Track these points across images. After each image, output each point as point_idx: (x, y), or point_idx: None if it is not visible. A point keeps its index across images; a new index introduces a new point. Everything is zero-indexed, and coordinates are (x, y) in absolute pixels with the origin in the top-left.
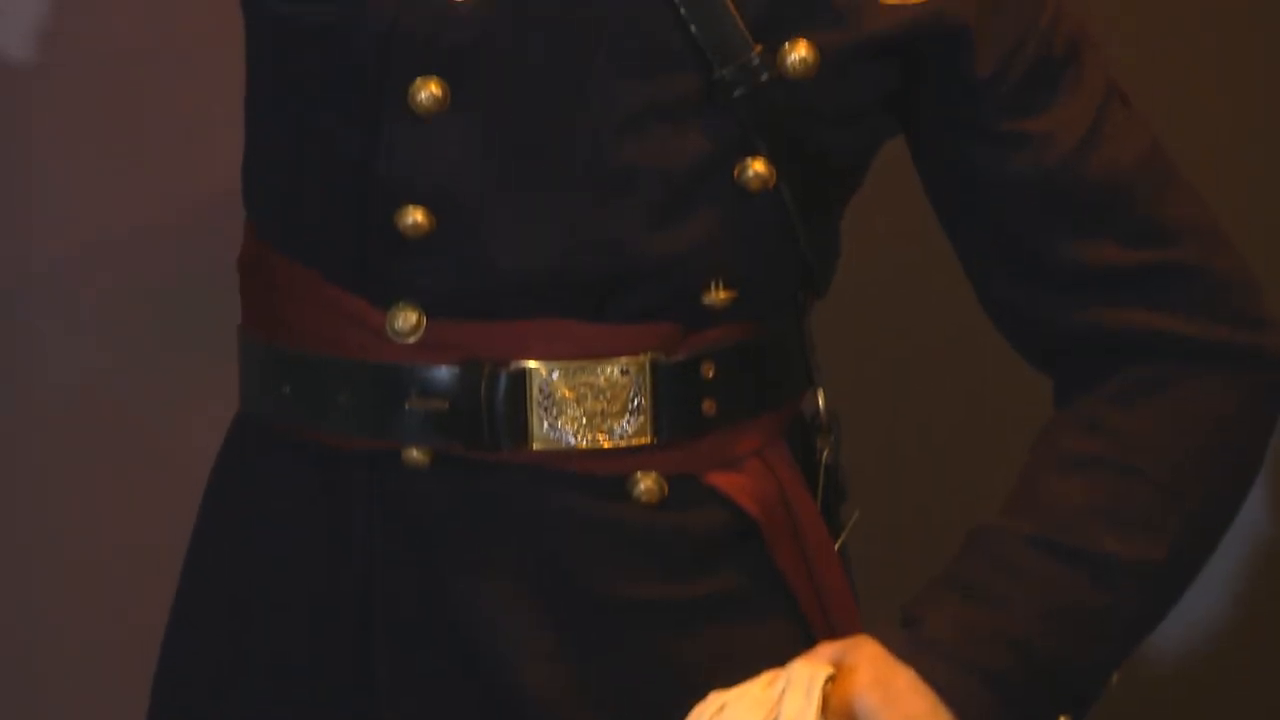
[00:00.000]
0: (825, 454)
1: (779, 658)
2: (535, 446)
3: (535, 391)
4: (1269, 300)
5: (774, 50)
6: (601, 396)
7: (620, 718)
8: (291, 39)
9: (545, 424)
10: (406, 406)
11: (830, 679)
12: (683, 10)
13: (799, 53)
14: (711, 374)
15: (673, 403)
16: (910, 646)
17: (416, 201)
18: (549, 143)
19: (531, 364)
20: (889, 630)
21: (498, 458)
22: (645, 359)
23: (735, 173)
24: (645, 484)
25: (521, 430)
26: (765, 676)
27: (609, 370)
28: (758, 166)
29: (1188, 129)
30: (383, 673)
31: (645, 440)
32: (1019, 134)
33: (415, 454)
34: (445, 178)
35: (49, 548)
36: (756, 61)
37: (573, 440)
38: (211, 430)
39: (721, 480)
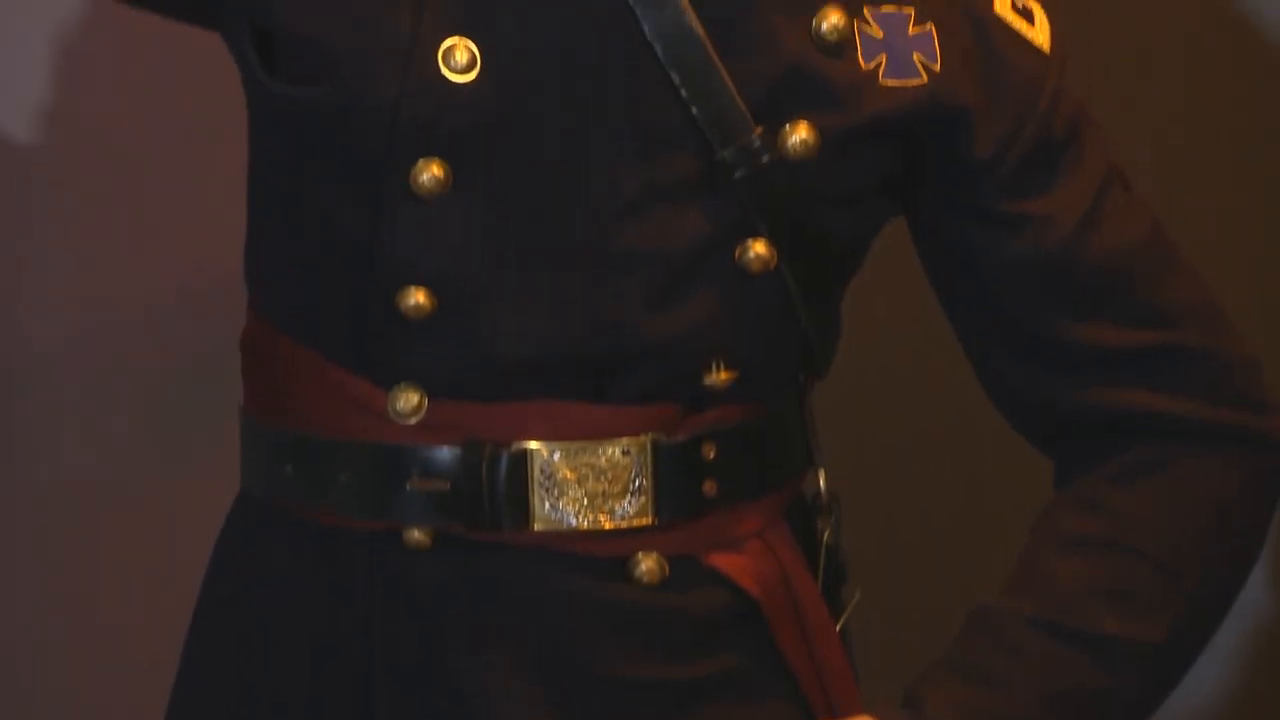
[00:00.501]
0: (826, 535)
1: None
2: (536, 527)
3: (536, 472)
4: (1270, 382)
5: (775, 132)
6: (603, 477)
7: None
8: (294, 120)
9: (546, 504)
10: (408, 487)
11: None
12: (684, 92)
13: (800, 134)
14: (712, 455)
15: (674, 483)
16: None
17: (418, 283)
18: (550, 224)
19: (533, 445)
20: (890, 710)
21: (499, 538)
22: (646, 440)
23: (736, 254)
24: (646, 565)
25: (523, 511)
26: None
27: (610, 451)
28: (759, 248)
29: (1189, 210)
30: None
31: (646, 521)
32: (1018, 216)
33: (417, 535)
34: (447, 259)
35: (48, 627)
36: (757, 143)
37: (574, 521)
38: (214, 509)
39: (722, 561)
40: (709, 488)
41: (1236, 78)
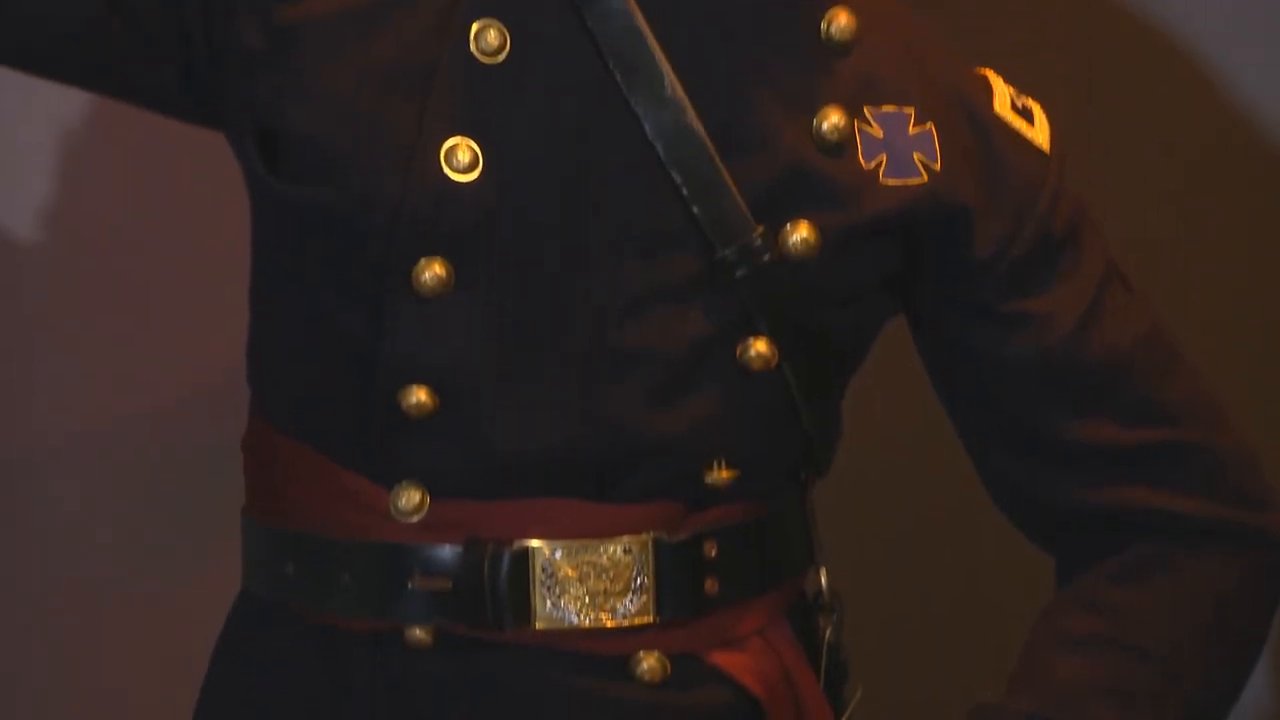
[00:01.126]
0: (828, 633)
1: None
2: (538, 625)
3: (538, 570)
4: (1271, 479)
5: (776, 231)
6: (604, 575)
7: None
8: (297, 219)
9: (548, 603)
10: (409, 586)
11: None
12: (685, 191)
13: (800, 233)
14: (714, 553)
15: (675, 582)
16: None
17: (420, 381)
18: (551, 323)
19: (534, 543)
20: None
21: (500, 637)
22: (648, 538)
23: (737, 352)
24: (648, 663)
25: (524, 609)
26: None
27: (611, 549)
28: (759, 346)
29: (1190, 310)
30: None
31: (648, 619)
32: (1018, 314)
33: (418, 633)
34: (448, 358)
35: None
36: (758, 242)
37: (575, 619)
38: (215, 609)
39: (724, 659)
40: (710, 586)
41: (1234, 166)
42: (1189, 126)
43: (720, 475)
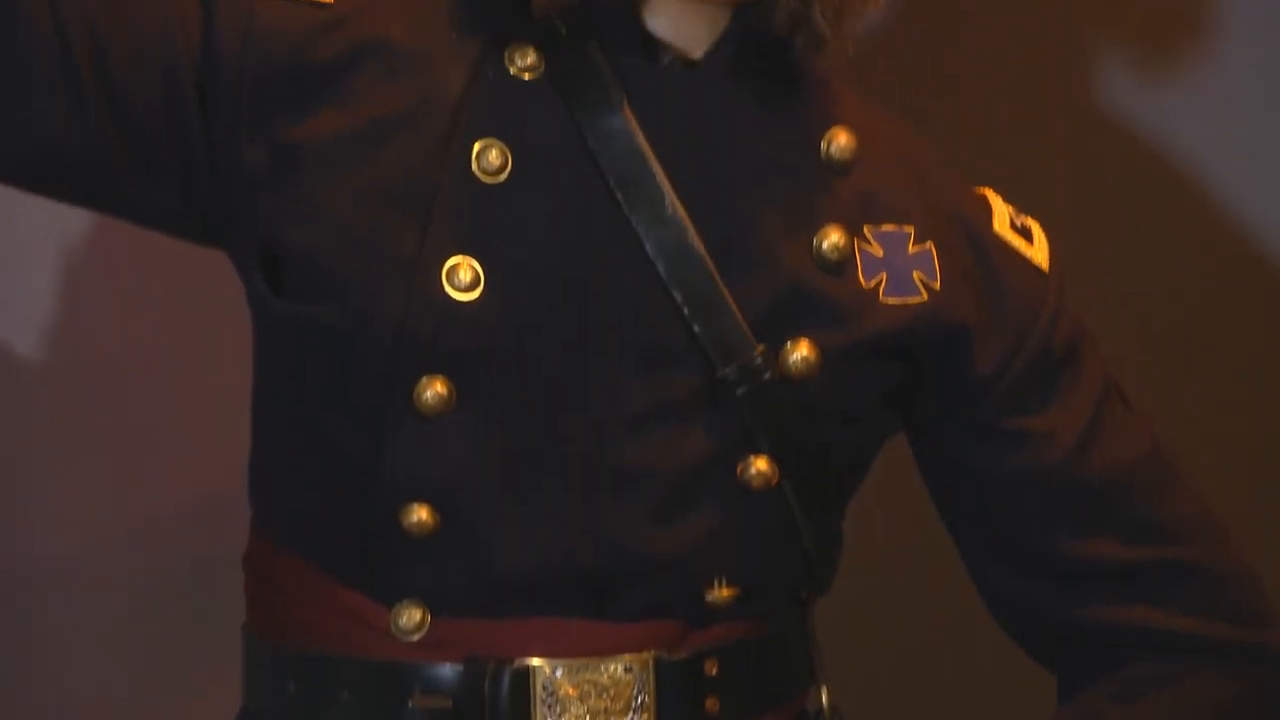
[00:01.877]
0: None
1: None
2: None
3: (539, 689)
4: (1271, 597)
5: (776, 350)
6: (605, 694)
7: None
8: (299, 337)
9: None
10: (410, 704)
11: None
12: (686, 310)
13: (801, 352)
14: (715, 671)
15: (676, 701)
16: None
17: (421, 500)
18: (552, 441)
19: (535, 661)
20: None
21: None
22: (648, 656)
23: (738, 470)
24: None
25: None
26: None
27: (612, 668)
28: (760, 465)
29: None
30: None
31: None
32: (1018, 432)
33: None
34: (449, 476)
35: None
36: (759, 361)
37: None
38: None
39: None
40: (711, 705)
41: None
42: (1185, 240)
43: (721, 594)
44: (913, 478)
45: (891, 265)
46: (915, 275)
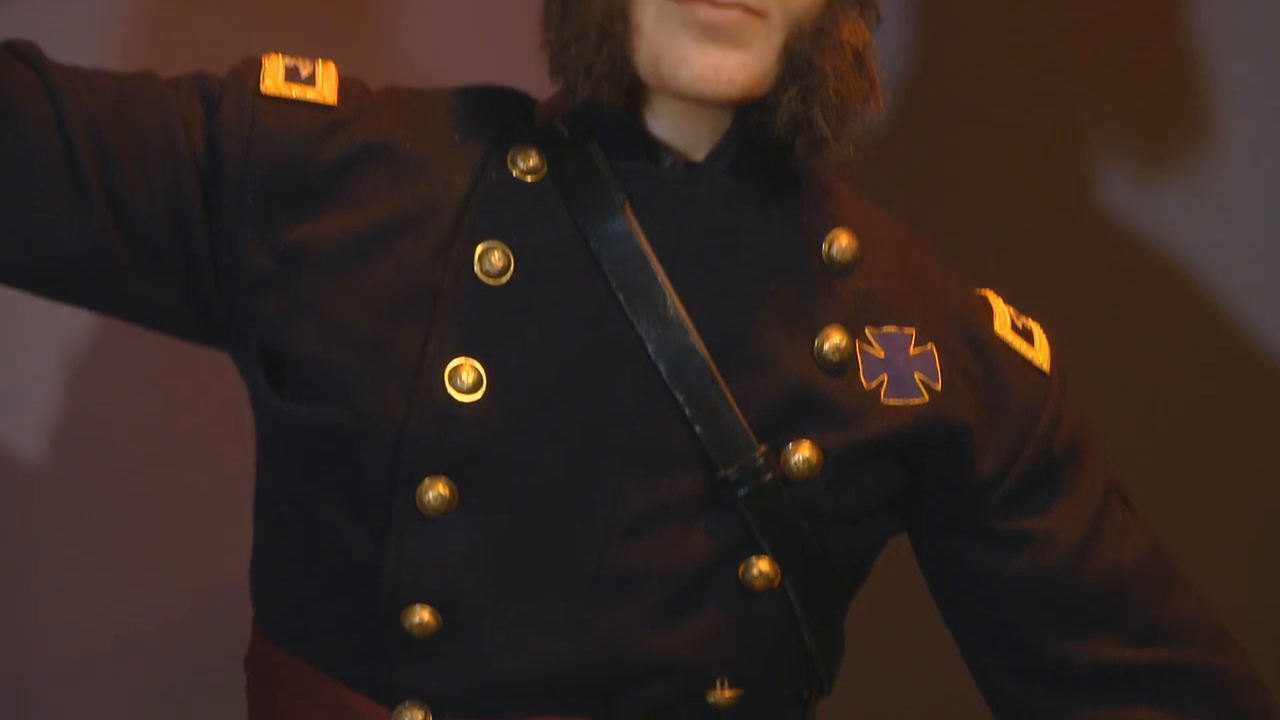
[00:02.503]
0: None
1: None
2: None
3: None
4: (1273, 696)
5: (778, 450)
6: None
7: None
8: (302, 438)
9: None
10: None
11: None
12: (688, 411)
13: (803, 453)
14: None
15: None
16: None
17: (424, 601)
18: (554, 542)
19: None
20: None
21: None
22: None
23: (740, 571)
24: None
25: None
26: None
27: None
28: (762, 565)
29: (1193, 524)
30: None
31: None
32: (1019, 533)
33: None
34: (452, 578)
35: None
36: (760, 462)
37: None
38: None
39: None
40: None
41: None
42: (1185, 342)
43: (723, 694)
44: (914, 578)
45: (893, 366)
46: (916, 376)
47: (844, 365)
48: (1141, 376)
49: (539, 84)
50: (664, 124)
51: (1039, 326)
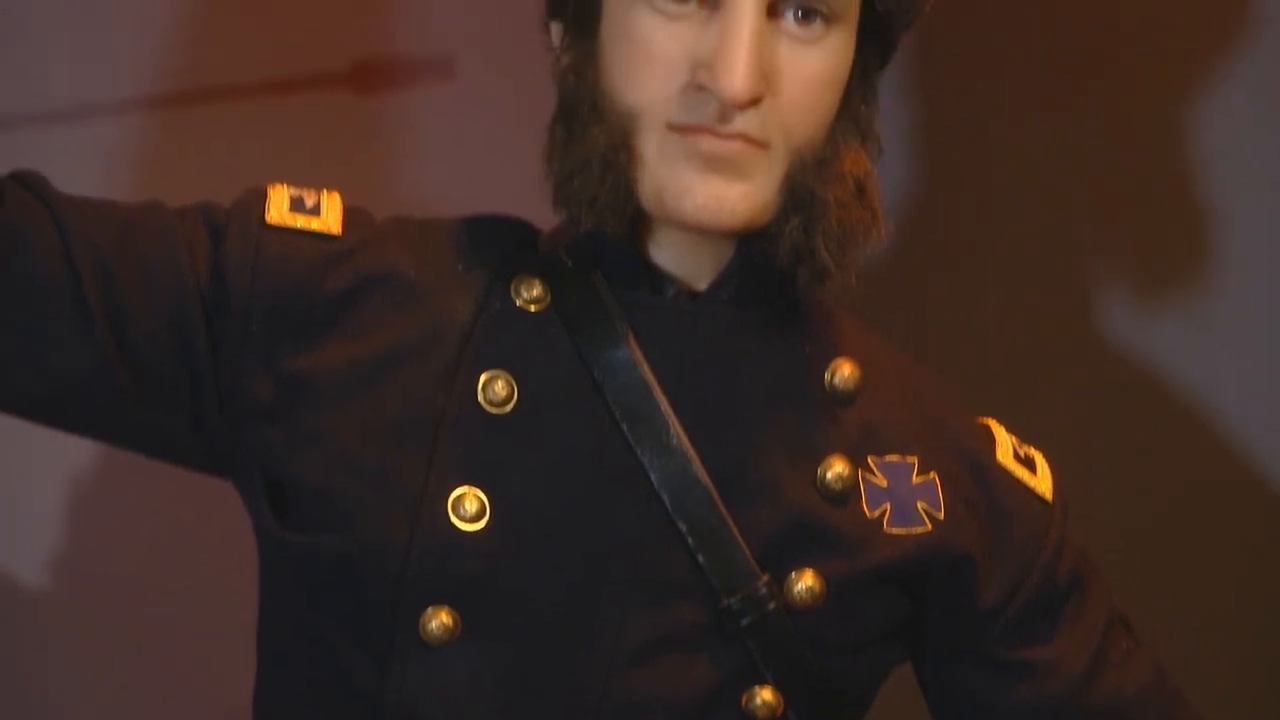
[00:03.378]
0: None
1: None
2: None
3: None
4: None
5: (781, 580)
6: None
7: None
8: (305, 566)
9: None
10: None
11: None
12: (690, 541)
13: (806, 582)
14: None
15: None
16: None
17: None
18: (558, 673)
19: None
20: None
21: None
22: None
23: (743, 701)
24: None
25: None
26: None
27: None
28: (765, 695)
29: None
30: None
31: None
32: (1023, 662)
33: None
34: (456, 708)
35: None
36: (764, 591)
37: None
38: None
39: None
40: None
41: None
42: (1187, 469)
43: None
44: (916, 704)
45: (896, 495)
46: (919, 505)
47: (847, 494)
48: (1144, 504)
49: (543, 214)
50: (667, 254)
51: (1041, 455)
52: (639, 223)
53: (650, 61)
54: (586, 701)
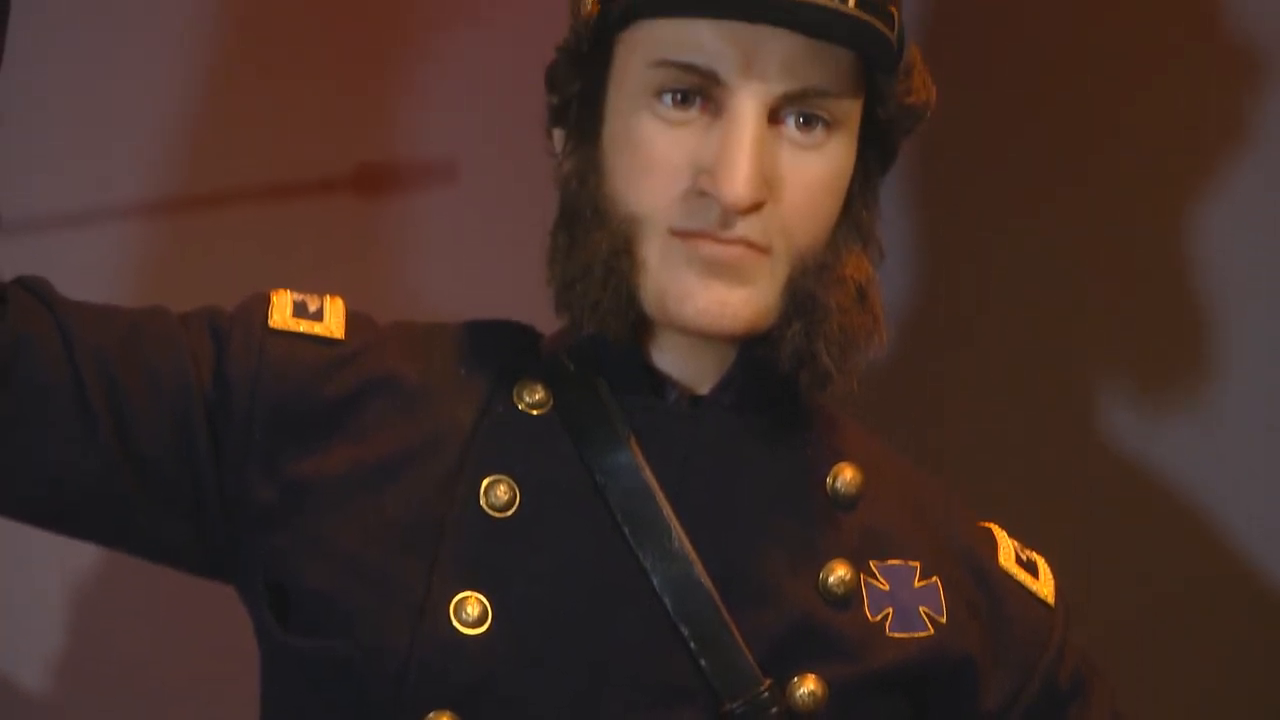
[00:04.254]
0: None
1: None
2: None
3: None
4: None
5: (783, 684)
6: None
7: None
8: (306, 670)
9: None
10: None
11: None
12: (693, 645)
13: (808, 686)
14: None
15: None
16: None
17: None
18: None
19: None
20: None
21: None
22: None
23: None
24: None
25: None
26: None
27: None
28: None
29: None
30: None
31: None
32: None
33: None
34: None
35: None
36: (765, 695)
37: None
38: None
39: None
40: None
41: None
42: (1191, 569)
43: None
44: None
45: (898, 599)
46: (921, 610)
47: (849, 598)
48: (1147, 605)
49: (545, 317)
50: (669, 358)
51: (1043, 560)
52: (641, 327)
53: (653, 167)
54: None
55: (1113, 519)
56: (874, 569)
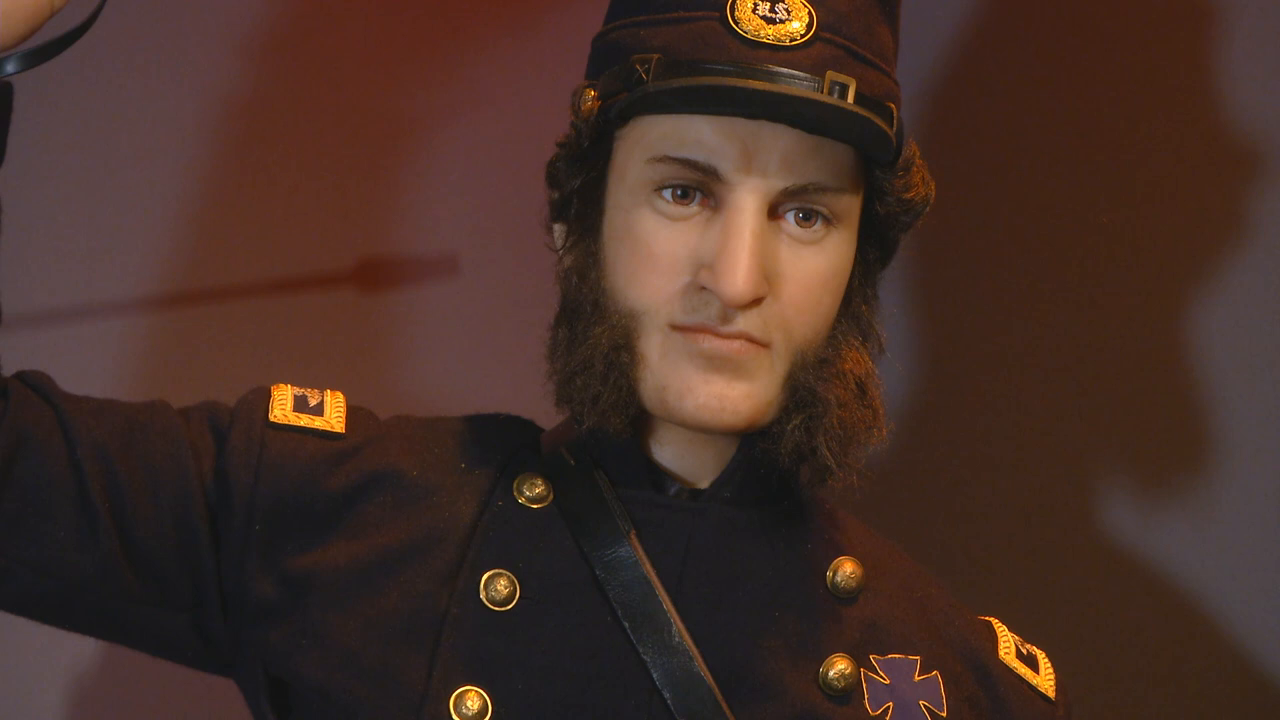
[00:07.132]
0: None
1: None
2: None
3: None
4: None
5: None
6: None
7: None
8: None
9: None
10: None
11: None
12: None
13: None
14: None
15: None
16: None
17: None
18: None
19: None
20: None
21: None
22: None
23: None
24: None
25: None
26: None
27: None
28: None
29: None
30: None
31: None
32: None
33: None
34: None
35: None
36: None
37: None
38: None
39: None
40: None
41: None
42: (1192, 662)
43: None
44: None
45: (898, 693)
46: (922, 704)
47: (849, 692)
48: (1147, 698)
49: (545, 411)
50: (669, 452)
51: (1044, 654)
52: (641, 421)
53: (653, 262)
54: None
55: (1111, 612)
56: (874, 663)
